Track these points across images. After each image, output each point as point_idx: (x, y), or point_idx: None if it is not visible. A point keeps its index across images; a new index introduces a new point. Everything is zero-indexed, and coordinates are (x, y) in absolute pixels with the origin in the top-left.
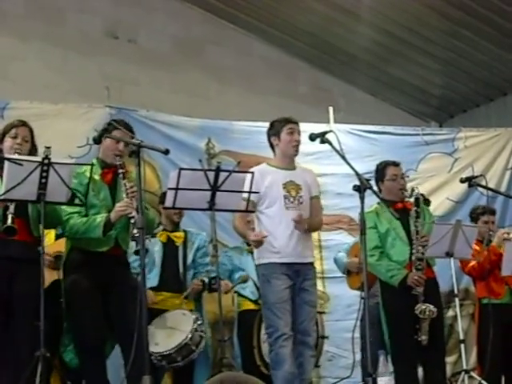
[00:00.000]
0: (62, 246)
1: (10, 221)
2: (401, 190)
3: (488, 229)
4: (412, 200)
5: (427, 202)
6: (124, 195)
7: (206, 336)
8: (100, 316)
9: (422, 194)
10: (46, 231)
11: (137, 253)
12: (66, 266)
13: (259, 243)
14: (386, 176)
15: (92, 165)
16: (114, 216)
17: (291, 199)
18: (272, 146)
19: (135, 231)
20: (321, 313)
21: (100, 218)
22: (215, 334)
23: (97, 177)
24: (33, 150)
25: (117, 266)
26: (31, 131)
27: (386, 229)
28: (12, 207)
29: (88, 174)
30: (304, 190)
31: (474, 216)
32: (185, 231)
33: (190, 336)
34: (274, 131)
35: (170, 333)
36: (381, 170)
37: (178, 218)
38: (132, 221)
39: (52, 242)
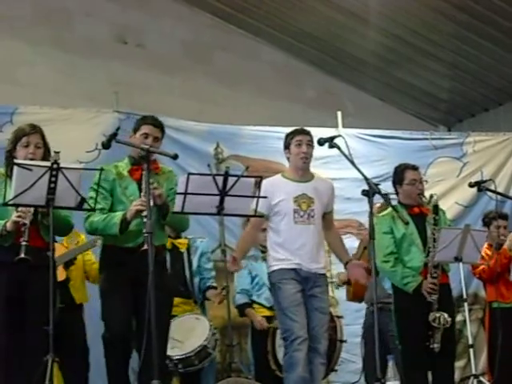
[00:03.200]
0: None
1: (23, 253)
2: (419, 195)
3: (499, 233)
4: (430, 206)
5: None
6: (142, 193)
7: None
8: (128, 312)
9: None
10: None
11: None
12: (100, 263)
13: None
14: (405, 180)
15: (101, 169)
16: (130, 214)
17: (301, 213)
18: (287, 158)
19: (144, 231)
20: (339, 317)
21: (118, 216)
22: (224, 338)
23: (125, 173)
24: (46, 154)
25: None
26: (43, 136)
27: (402, 234)
28: (26, 233)
29: (114, 171)
30: (317, 202)
31: (487, 220)
32: (187, 238)
33: (208, 339)
34: (285, 144)
35: (187, 336)
36: (399, 173)
37: None
38: (145, 219)
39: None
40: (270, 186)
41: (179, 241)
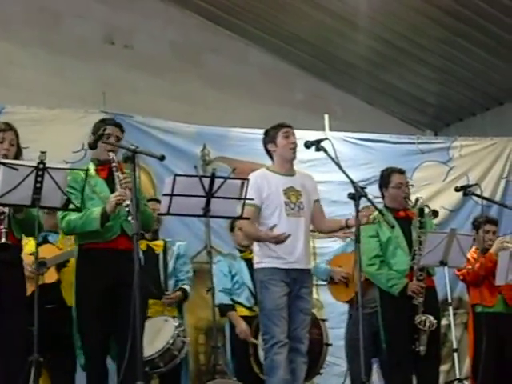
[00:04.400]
0: (44, 252)
1: (4, 239)
2: (405, 199)
3: (484, 238)
4: (415, 210)
5: (435, 213)
6: (118, 186)
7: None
8: (106, 322)
9: (427, 205)
10: (25, 240)
11: None
12: (76, 268)
13: (280, 241)
14: (391, 183)
15: (87, 170)
16: (109, 207)
17: (292, 205)
18: (270, 154)
19: (130, 217)
20: (324, 320)
21: (97, 211)
22: (209, 340)
23: (92, 173)
24: (18, 154)
25: (126, 263)
26: (17, 135)
27: (387, 237)
28: (6, 221)
29: (83, 174)
30: (304, 195)
31: (476, 224)
32: (164, 240)
33: (171, 341)
34: (269, 138)
35: (152, 339)
36: (386, 176)
37: (157, 225)
38: (127, 209)
39: (33, 250)
40: (259, 179)
41: (155, 243)
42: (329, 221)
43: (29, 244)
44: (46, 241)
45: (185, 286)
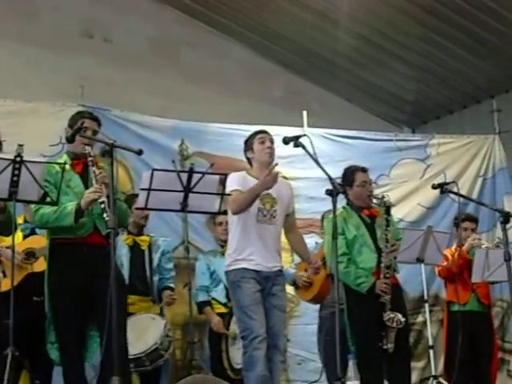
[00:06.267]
0: (32, 242)
1: None
2: (369, 197)
3: (463, 235)
4: (380, 208)
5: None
6: (94, 182)
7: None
8: (81, 316)
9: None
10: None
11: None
12: (49, 261)
13: (274, 177)
14: (356, 181)
15: (64, 163)
16: (84, 202)
17: (264, 212)
18: (250, 162)
19: (105, 215)
20: None
21: (71, 206)
22: (185, 336)
23: (67, 167)
24: None
25: (100, 257)
26: None
27: (353, 235)
28: None
29: (58, 168)
30: (279, 204)
31: (456, 222)
32: (149, 236)
33: (160, 341)
34: (247, 147)
35: (140, 336)
36: (349, 174)
37: (144, 221)
38: (102, 206)
39: (21, 241)
40: (241, 178)
41: (141, 238)
42: (298, 241)
43: (17, 235)
44: (33, 232)
45: (172, 285)
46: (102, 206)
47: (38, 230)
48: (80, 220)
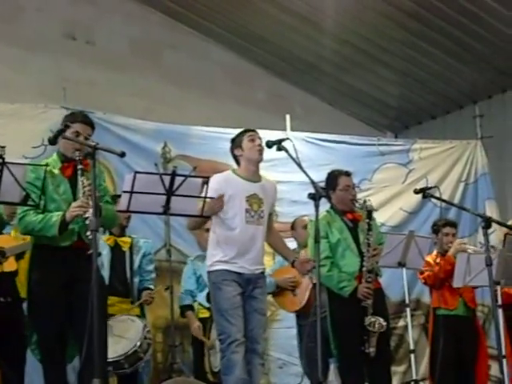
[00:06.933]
0: (2, 242)
1: None
2: (352, 201)
3: (444, 240)
4: (362, 211)
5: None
6: (80, 194)
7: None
8: (62, 317)
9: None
10: None
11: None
12: (30, 263)
13: (220, 202)
14: (339, 186)
15: (46, 165)
16: (69, 216)
17: (252, 213)
18: (237, 160)
19: (88, 233)
20: None
21: (56, 217)
22: (166, 339)
23: (56, 171)
24: None
25: (82, 261)
26: None
27: (337, 239)
28: None
29: (47, 169)
30: (265, 204)
31: (435, 228)
32: (130, 237)
33: (139, 344)
34: (235, 144)
35: (119, 339)
36: (333, 178)
37: (126, 222)
38: (87, 222)
39: None
40: (223, 181)
41: (122, 239)
42: (279, 241)
43: None
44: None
45: (151, 286)
46: (87, 222)
47: (7, 229)
48: (66, 231)
